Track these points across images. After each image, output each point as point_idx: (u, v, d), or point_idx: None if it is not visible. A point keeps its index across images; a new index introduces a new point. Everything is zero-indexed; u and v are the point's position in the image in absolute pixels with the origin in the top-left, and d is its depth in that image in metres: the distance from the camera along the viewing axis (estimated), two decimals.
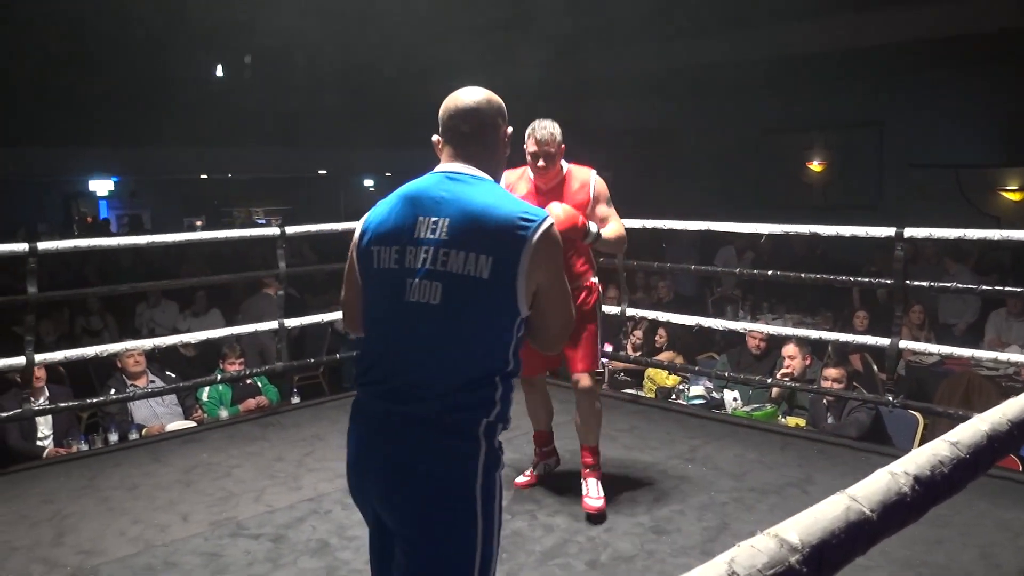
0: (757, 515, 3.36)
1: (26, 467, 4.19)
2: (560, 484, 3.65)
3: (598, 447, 3.50)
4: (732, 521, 3.32)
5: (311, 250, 11.89)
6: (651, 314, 5.65)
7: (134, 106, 11.65)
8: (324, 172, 17.63)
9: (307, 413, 4.98)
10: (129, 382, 5.16)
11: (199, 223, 17.81)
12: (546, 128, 3.26)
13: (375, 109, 13.03)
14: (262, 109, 12.42)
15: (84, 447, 4.65)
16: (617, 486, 3.64)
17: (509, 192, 1.95)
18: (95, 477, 3.93)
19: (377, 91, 13.00)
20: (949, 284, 5.35)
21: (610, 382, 6.29)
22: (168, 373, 5.51)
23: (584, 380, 3.38)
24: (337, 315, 6.23)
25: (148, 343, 5.09)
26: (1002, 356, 4.67)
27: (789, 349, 5.23)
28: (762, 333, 5.66)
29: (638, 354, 6.33)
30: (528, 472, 3.71)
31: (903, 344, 4.33)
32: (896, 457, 1.10)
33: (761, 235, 5.08)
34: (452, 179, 1.82)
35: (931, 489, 1.06)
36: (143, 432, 4.92)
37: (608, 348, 6.39)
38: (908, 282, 4.27)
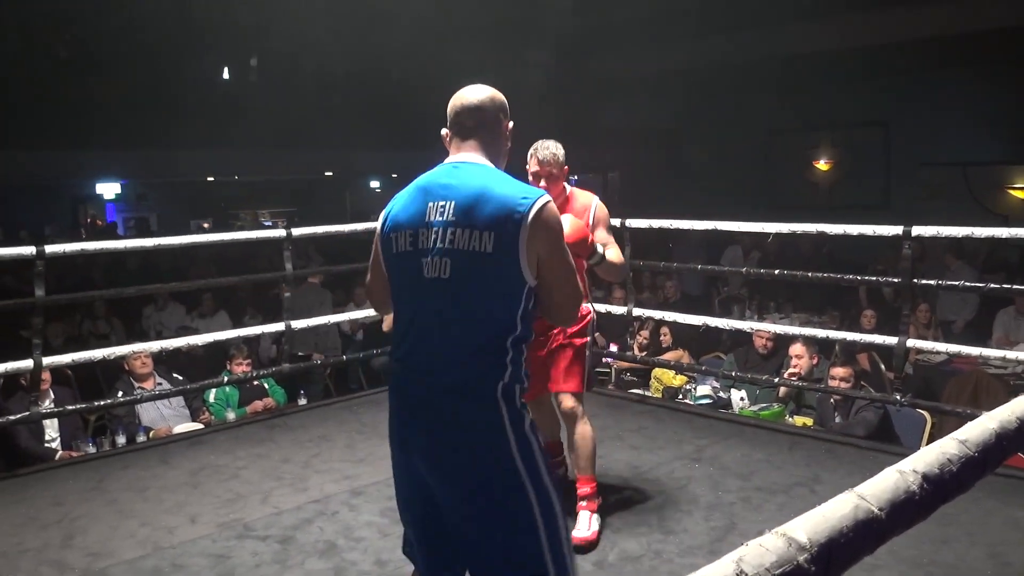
0: (764, 515, 3.35)
1: (35, 469, 4.21)
2: (568, 488, 3.64)
3: (593, 476, 3.27)
4: (739, 521, 3.31)
5: (317, 252, 11.90)
6: (657, 314, 5.64)
7: (141, 109, 11.66)
8: (330, 174, 17.66)
9: (314, 415, 4.99)
10: (136, 384, 5.17)
11: (206, 225, 17.85)
12: (549, 148, 3.20)
13: (381, 111, 13.03)
14: (268, 111, 12.42)
15: (92, 450, 4.67)
16: (624, 486, 3.64)
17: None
18: (103, 479, 3.94)
19: (383, 93, 13.01)
20: (957, 283, 5.34)
21: (617, 382, 6.29)
22: (175, 375, 5.52)
23: (566, 401, 3.24)
24: (343, 316, 6.26)
25: (155, 345, 5.11)
26: (1010, 355, 4.65)
27: (796, 348, 5.22)
28: (769, 332, 5.65)
29: (644, 354, 6.32)
30: None
31: (911, 343, 4.31)
32: (904, 456, 1.10)
33: (768, 234, 5.07)
34: (458, 167, 1.98)
35: (940, 487, 1.05)
36: (150, 434, 4.93)
37: (614, 348, 6.40)
38: (916, 281, 4.25)
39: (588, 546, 3.11)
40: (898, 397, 4.23)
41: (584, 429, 3.26)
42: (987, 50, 9.78)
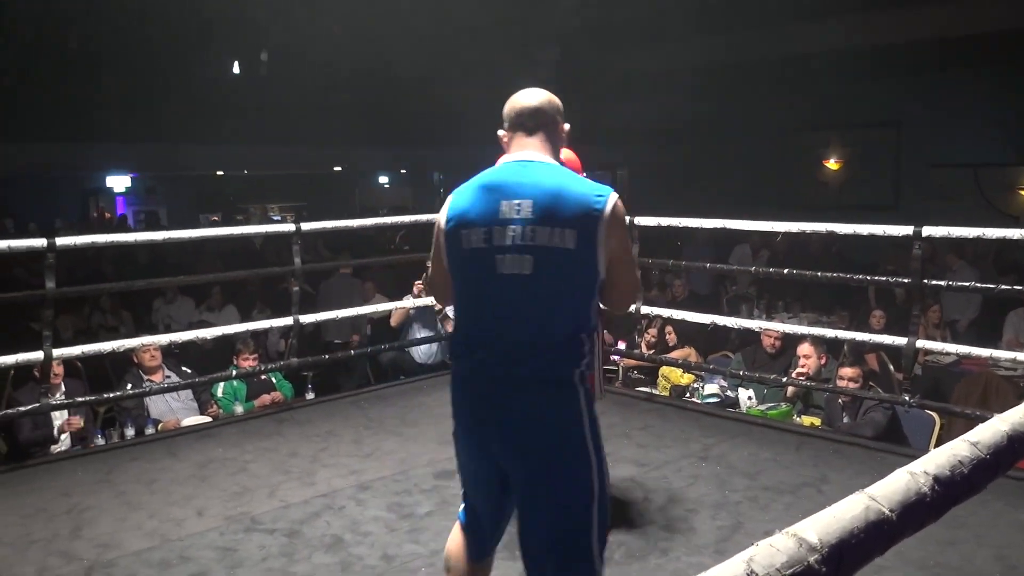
0: (772, 514, 3.34)
1: (43, 461, 4.24)
2: None
3: None
4: (746, 520, 3.31)
5: (325, 247, 11.93)
6: (666, 312, 5.63)
7: (151, 103, 11.70)
8: (339, 169, 17.69)
9: (321, 409, 5.00)
10: (145, 377, 5.19)
11: (215, 219, 17.89)
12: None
13: (389, 107, 13.05)
14: (278, 106, 12.45)
15: (101, 441, 4.68)
16: (631, 485, 3.63)
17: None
18: (111, 471, 3.96)
19: (392, 88, 13.02)
20: (968, 284, 5.31)
21: (624, 380, 6.28)
22: (184, 368, 5.54)
23: None
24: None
25: (164, 338, 5.12)
26: (1021, 356, 4.62)
27: (804, 348, 5.20)
28: (777, 332, 5.63)
29: (652, 352, 6.31)
30: None
31: (920, 344, 4.29)
32: (913, 457, 1.10)
33: (777, 233, 5.05)
34: (526, 166, 2.07)
35: (951, 489, 1.05)
36: (159, 427, 4.95)
37: (622, 346, 6.39)
38: (926, 281, 4.23)
39: None
40: (907, 398, 4.21)
41: None
42: (1000, 51, 9.72)
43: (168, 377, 5.25)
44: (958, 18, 9.10)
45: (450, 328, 6.51)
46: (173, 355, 5.97)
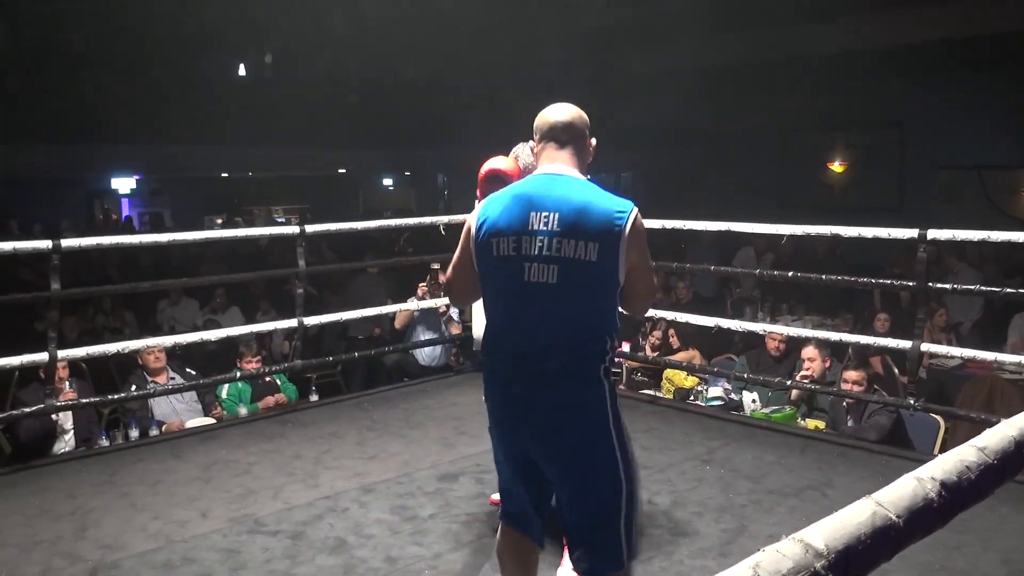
0: (776, 518, 3.34)
1: (48, 462, 4.24)
2: None
3: None
4: (750, 523, 3.30)
5: (329, 249, 11.93)
6: (670, 314, 5.63)
7: (156, 104, 11.71)
8: (343, 171, 17.70)
9: (325, 411, 5.00)
10: (149, 379, 5.19)
11: (219, 221, 17.90)
12: (530, 156, 3.11)
13: (394, 108, 13.06)
14: (282, 108, 12.46)
15: (105, 443, 4.69)
16: None
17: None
18: (116, 473, 3.97)
19: (396, 91, 13.04)
20: (973, 287, 5.29)
21: (628, 382, 6.27)
22: (188, 370, 5.55)
23: None
24: (352, 314, 6.24)
25: (169, 340, 5.12)
26: None
27: (809, 351, 5.19)
28: (782, 335, 5.62)
29: (656, 354, 6.30)
30: None
31: (925, 347, 4.28)
32: (917, 461, 1.09)
33: (781, 236, 5.05)
34: (555, 180, 2.22)
35: (958, 495, 1.04)
36: (163, 428, 4.95)
37: (626, 347, 6.38)
38: (931, 284, 4.22)
39: None
40: (911, 401, 4.20)
41: None
42: (1005, 52, 9.70)
43: (172, 379, 5.25)
44: (963, 19, 9.09)
45: (454, 330, 6.52)
46: (177, 357, 5.97)
